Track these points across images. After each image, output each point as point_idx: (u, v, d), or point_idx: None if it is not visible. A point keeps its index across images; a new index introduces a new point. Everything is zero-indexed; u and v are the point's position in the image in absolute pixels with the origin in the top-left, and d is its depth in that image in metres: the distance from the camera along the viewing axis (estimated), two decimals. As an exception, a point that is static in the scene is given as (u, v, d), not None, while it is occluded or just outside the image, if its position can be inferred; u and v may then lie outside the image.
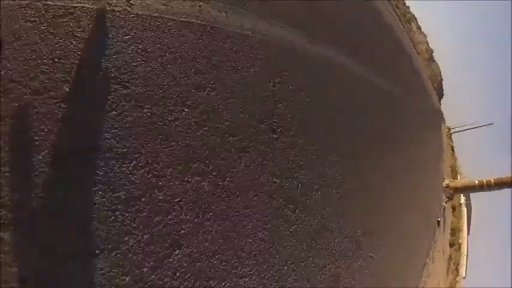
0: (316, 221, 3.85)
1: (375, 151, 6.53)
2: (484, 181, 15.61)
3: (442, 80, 25.69)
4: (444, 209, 15.99)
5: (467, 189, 17.41)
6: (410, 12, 18.57)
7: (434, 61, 23.41)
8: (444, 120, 29.27)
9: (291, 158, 3.73)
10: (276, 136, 3.56)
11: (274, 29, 4.02)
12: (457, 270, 19.51)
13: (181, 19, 2.87)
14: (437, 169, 16.64)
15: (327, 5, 5.95)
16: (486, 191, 15.88)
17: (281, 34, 4.14)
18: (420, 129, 13.23)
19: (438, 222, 13.48)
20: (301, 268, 3.44)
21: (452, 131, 28.18)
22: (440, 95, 27.12)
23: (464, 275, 23.93)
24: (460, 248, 22.08)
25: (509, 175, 14.36)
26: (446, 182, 17.56)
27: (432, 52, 22.45)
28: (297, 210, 3.57)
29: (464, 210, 24.58)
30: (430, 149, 15.41)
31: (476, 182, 16.14)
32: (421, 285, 7.92)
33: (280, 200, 3.35)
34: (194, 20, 2.98)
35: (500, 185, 14.79)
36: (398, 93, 9.86)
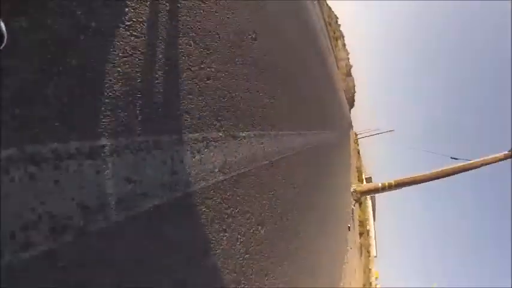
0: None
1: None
2: (386, 183, 17.40)
3: (354, 92, 29.21)
4: (353, 211, 17.25)
5: (372, 192, 19.44)
6: (340, 31, 20.46)
7: (351, 75, 26.38)
8: (352, 127, 33.29)
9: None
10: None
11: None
12: (368, 252, 22.11)
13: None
14: (347, 179, 17.50)
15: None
16: (388, 191, 17.84)
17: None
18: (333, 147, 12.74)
19: (349, 227, 13.58)
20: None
21: (359, 136, 32.44)
22: (352, 105, 30.85)
23: (375, 255, 27.23)
24: (368, 233, 24.76)
25: (407, 176, 16.79)
26: (354, 187, 19.36)
27: (351, 68, 25.24)
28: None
29: (369, 202, 27.81)
30: (342, 162, 16.00)
31: (380, 184, 17.98)
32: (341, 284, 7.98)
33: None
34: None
35: (400, 185, 17.09)
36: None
